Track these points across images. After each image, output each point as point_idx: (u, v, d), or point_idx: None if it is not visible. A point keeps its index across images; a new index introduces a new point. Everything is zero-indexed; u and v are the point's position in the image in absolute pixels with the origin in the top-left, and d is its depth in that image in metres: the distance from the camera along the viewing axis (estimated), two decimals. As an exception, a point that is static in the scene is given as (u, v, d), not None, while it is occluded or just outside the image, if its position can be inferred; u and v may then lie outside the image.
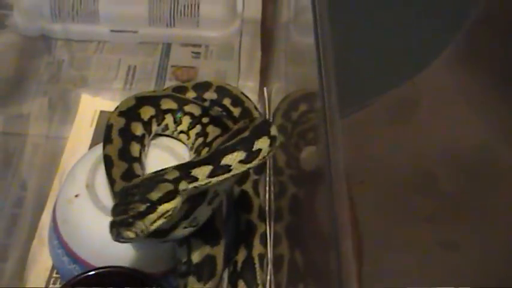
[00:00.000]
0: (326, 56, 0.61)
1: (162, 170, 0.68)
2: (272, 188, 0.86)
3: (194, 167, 0.68)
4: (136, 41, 1.09)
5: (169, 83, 1.06)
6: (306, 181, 0.81)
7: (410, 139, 0.78)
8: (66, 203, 0.81)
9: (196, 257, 0.77)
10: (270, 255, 0.82)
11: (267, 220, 0.84)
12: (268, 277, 0.81)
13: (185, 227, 0.73)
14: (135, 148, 0.81)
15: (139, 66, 1.09)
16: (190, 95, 0.96)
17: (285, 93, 0.95)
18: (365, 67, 0.67)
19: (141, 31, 1.08)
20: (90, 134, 1.01)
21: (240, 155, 0.69)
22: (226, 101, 0.96)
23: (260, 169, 0.89)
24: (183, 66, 1.09)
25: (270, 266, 0.82)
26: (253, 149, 0.69)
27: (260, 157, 0.70)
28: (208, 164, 0.68)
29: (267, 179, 0.87)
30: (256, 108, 0.96)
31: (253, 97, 1.01)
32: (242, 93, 0.97)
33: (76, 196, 0.80)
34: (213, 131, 0.83)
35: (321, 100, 0.61)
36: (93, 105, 1.04)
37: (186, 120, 0.85)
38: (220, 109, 0.95)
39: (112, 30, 1.08)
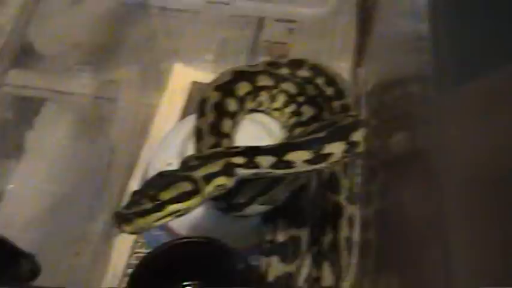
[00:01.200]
0: (439, 43, 0.59)
1: (224, 151, 0.68)
2: (363, 171, 0.85)
3: (259, 154, 0.67)
4: (230, 13, 1.08)
5: (262, 58, 1.05)
6: (398, 167, 0.79)
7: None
8: (158, 170, 0.82)
9: (281, 237, 0.77)
10: (356, 239, 0.81)
11: (355, 203, 0.83)
12: (353, 261, 0.80)
13: (261, 204, 0.73)
14: (227, 124, 0.81)
15: (232, 39, 1.08)
16: (284, 71, 0.95)
17: (381, 76, 0.93)
18: (479, 56, 0.65)
19: (234, 3, 1.07)
20: (181, 104, 1.02)
21: (305, 154, 0.66)
22: (320, 80, 0.94)
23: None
24: (277, 42, 1.07)
25: (355, 250, 0.80)
26: (323, 152, 0.66)
27: (330, 161, 0.67)
28: (273, 155, 0.66)
29: (358, 161, 0.86)
30: (349, 90, 0.94)
31: (346, 78, 0.99)
32: (336, 73, 0.96)
33: (168, 164, 0.81)
34: (308, 111, 0.82)
35: (427, 85, 0.59)
36: (185, 76, 1.05)
37: (281, 98, 0.85)
38: (313, 87, 0.94)
39: (207, 1, 1.07)
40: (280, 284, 0.76)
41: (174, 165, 0.80)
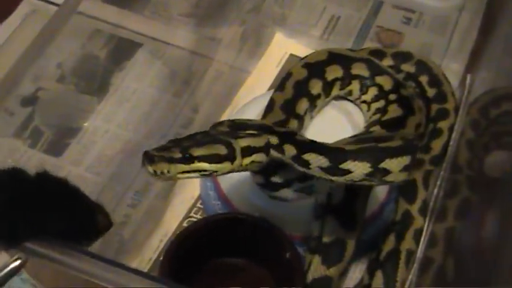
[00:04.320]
0: None
1: (269, 126, 0.65)
2: (443, 184, 0.77)
3: (288, 143, 0.63)
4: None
5: (369, 44, 0.98)
6: (486, 188, 0.72)
7: None
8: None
9: (327, 237, 0.72)
10: (419, 254, 0.74)
11: (428, 216, 0.76)
12: (410, 276, 0.73)
13: (296, 190, 0.68)
14: (302, 105, 0.76)
15: (343, 18, 1.02)
16: (387, 62, 0.88)
17: (491, 86, 0.85)
18: None
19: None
20: (274, 75, 0.97)
21: (323, 161, 0.61)
22: (423, 78, 0.87)
23: (437, 160, 0.80)
24: (389, 30, 1.00)
25: (415, 266, 0.74)
26: (342, 166, 0.60)
27: (347, 178, 0.61)
28: (297, 148, 0.62)
29: (441, 173, 0.78)
30: (453, 94, 0.86)
31: (454, 81, 0.90)
32: (443, 74, 0.88)
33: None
34: (394, 110, 0.76)
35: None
36: (285, 47, 1.00)
37: (372, 91, 0.78)
38: (414, 85, 0.87)
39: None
40: (317, 288, 0.71)
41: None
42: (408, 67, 0.88)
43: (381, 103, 0.78)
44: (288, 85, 0.77)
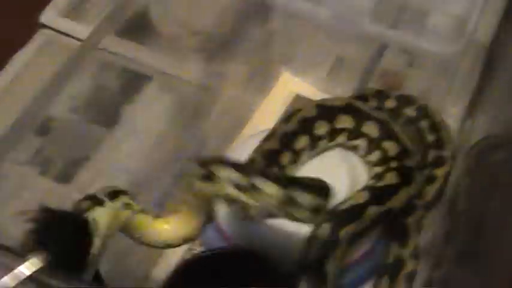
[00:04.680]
0: None
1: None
2: (439, 230, 0.80)
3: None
4: (355, 32, 1.04)
5: (373, 85, 1.01)
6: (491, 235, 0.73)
7: None
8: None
9: None
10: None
11: (420, 261, 0.78)
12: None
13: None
14: (301, 141, 0.77)
15: (347, 59, 1.05)
16: (391, 104, 0.91)
17: (490, 131, 0.87)
18: None
19: (362, 24, 1.04)
20: (279, 113, 0.99)
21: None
22: (424, 124, 0.89)
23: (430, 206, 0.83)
24: (392, 72, 1.03)
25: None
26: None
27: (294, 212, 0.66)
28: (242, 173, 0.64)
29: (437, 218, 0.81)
30: (451, 141, 0.89)
31: (454, 125, 0.93)
32: (443, 120, 0.90)
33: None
34: (390, 177, 0.75)
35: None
36: (291, 86, 1.02)
37: (376, 155, 0.79)
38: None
39: (334, 15, 1.04)
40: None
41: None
42: (410, 111, 0.90)
43: (381, 168, 0.77)
44: (294, 119, 0.78)
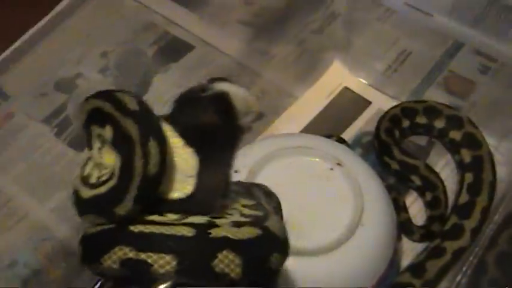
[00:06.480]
0: None
1: None
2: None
3: None
4: (426, 25, 0.91)
5: (435, 89, 0.88)
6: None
7: None
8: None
9: None
10: None
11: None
12: None
13: None
14: None
15: (414, 55, 0.91)
16: (439, 124, 0.83)
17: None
18: None
19: (437, 17, 0.90)
20: (322, 106, 0.89)
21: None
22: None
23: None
24: (461, 76, 0.89)
25: None
26: None
27: None
28: None
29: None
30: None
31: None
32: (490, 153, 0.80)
33: (236, 172, 0.70)
34: None
35: None
36: (340, 77, 0.91)
37: None
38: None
39: (407, 3, 0.91)
40: None
41: (239, 175, 0.70)
42: (455, 134, 0.80)
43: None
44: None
